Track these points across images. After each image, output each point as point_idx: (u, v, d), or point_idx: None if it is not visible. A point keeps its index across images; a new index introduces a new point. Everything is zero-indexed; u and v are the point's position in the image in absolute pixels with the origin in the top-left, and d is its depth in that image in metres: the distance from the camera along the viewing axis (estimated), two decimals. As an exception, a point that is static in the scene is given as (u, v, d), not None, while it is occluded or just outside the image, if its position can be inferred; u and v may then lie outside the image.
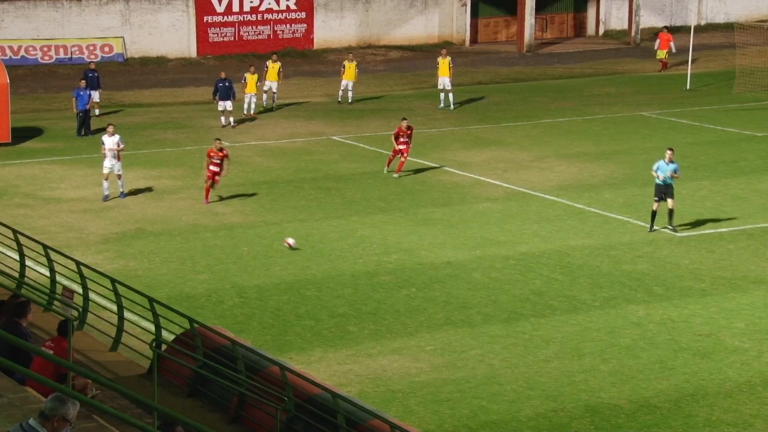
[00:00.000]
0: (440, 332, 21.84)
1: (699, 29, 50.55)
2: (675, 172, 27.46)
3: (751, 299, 23.38)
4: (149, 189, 32.00)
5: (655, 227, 27.57)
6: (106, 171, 30.62)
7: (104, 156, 30.70)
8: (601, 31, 58.73)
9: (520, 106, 43.51)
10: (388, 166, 33.25)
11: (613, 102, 43.80)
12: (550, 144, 37.21)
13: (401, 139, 32.67)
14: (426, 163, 34.79)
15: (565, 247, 26.71)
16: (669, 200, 27.46)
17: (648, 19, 57.74)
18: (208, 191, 30.58)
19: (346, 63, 44.26)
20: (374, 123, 40.85)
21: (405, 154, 32.71)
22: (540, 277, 24.84)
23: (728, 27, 56.46)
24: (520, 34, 55.28)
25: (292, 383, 16.15)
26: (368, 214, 29.36)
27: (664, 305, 23.11)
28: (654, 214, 27.56)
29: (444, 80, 43.31)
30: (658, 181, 27.53)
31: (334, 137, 38.71)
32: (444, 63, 43.38)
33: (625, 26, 56.71)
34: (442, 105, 43.33)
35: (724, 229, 28.01)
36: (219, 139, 31.31)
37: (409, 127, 32.90)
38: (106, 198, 30.59)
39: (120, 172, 30.81)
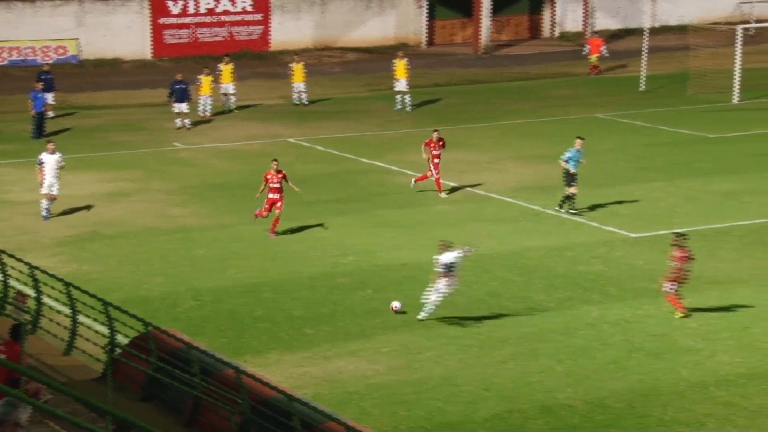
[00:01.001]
0: (397, 334, 21.86)
1: (653, 31, 50.90)
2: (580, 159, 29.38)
3: (705, 300, 23.57)
4: (104, 192, 31.80)
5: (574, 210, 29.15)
6: (45, 191, 28.65)
7: (42, 176, 28.49)
8: (556, 33, 59.05)
9: (476, 108, 43.66)
10: (417, 181, 31.24)
11: (569, 104, 44.04)
12: (507, 145, 37.37)
13: (434, 152, 30.68)
14: (383, 165, 34.82)
15: (521, 248, 26.82)
16: (574, 186, 29.04)
17: (603, 22, 58.12)
18: (275, 223, 27.22)
19: (293, 65, 44.28)
20: (331, 125, 40.84)
21: (438, 170, 30.66)
22: (496, 278, 24.92)
23: (682, 29, 56.92)
24: (477, 36, 55.47)
25: (247, 386, 16.12)
26: (325, 216, 29.33)
27: (618, 306, 23.26)
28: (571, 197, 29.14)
29: (401, 82, 43.38)
30: (572, 168, 29.17)
31: (291, 139, 38.66)
32: (401, 65, 43.46)
33: (580, 28, 57.05)
34: (398, 107, 43.39)
35: (678, 230, 28.16)
36: (276, 160, 28.03)
37: (440, 139, 30.81)
38: (46, 218, 28.80)
39: (57, 193, 28.81)
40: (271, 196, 27.28)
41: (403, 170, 34.18)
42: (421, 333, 21.92)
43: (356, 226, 28.57)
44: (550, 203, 30.23)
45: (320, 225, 28.50)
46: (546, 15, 59.36)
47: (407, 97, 43.37)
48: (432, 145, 30.93)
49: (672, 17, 60.05)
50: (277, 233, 27.46)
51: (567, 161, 29.40)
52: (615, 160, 34.60)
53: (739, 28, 44.58)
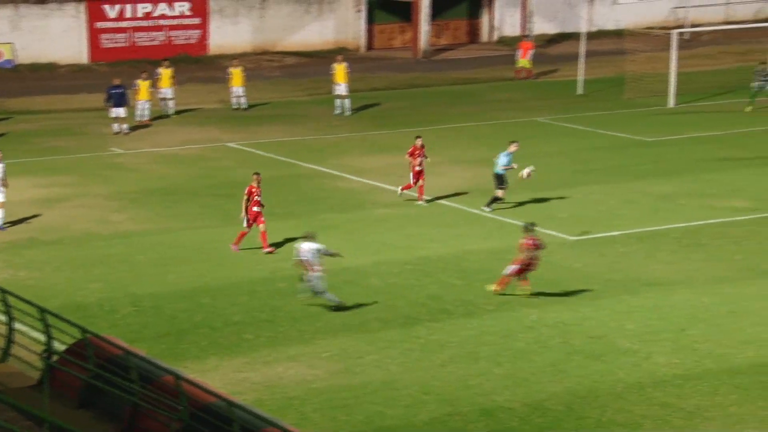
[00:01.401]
0: (337, 338, 21.85)
1: (590, 36, 51.35)
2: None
3: (642, 301, 23.82)
4: (41, 197, 31.46)
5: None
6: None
7: None
8: (495, 38, 59.36)
9: (416, 112, 43.76)
10: (403, 190, 30.82)
11: (508, 108, 44.30)
12: (447, 150, 37.48)
13: (418, 159, 30.48)
14: (323, 169, 34.79)
15: (462, 251, 26.92)
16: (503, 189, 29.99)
17: (541, 26, 58.51)
18: (264, 239, 26.61)
19: (231, 69, 44.17)
20: (270, 129, 40.74)
21: (423, 177, 30.66)
22: (437, 282, 25.00)
23: (618, 34, 57.49)
24: (416, 41, 55.62)
25: (186, 392, 16.01)
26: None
27: (557, 308, 23.43)
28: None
29: (340, 86, 43.38)
30: (499, 171, 30.02)
31: (230, 144, 38.50)
32: (340, 69, 43.46)
33: (519, 33, 57.36)
34: (338, 111, 43.38)
35: (616, 233, 28.48)
36: (258, 173, 27.33)
37: (423, 146, 30.63)
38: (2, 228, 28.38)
39: (4, 200, 28.34)
40: (255, 209, 26.72)
41: (344, 174, 34.19)
42: (360, 337, 21.93)
43: (297, 230, 28.46)
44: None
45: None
46: (485, 19, 59.66)
47: (347, 102, 43.37)
48: (417, 152, 30.57)
49: (609, 22, 60.60)
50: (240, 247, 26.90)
51: (502, 164, 29.92)
52: (554, 164, 34.86)
53: (674, 32, 45.12)
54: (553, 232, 28.37)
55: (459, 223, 29.35)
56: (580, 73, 46.92)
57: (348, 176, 33.87)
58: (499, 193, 30.01)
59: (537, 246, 23.71)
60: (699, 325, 22.58)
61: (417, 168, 30.64)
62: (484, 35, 59.70)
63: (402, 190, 31.04)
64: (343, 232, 28.32)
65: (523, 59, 50.14)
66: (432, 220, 29.60)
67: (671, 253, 26.91)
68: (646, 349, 21.42)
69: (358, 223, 29.21)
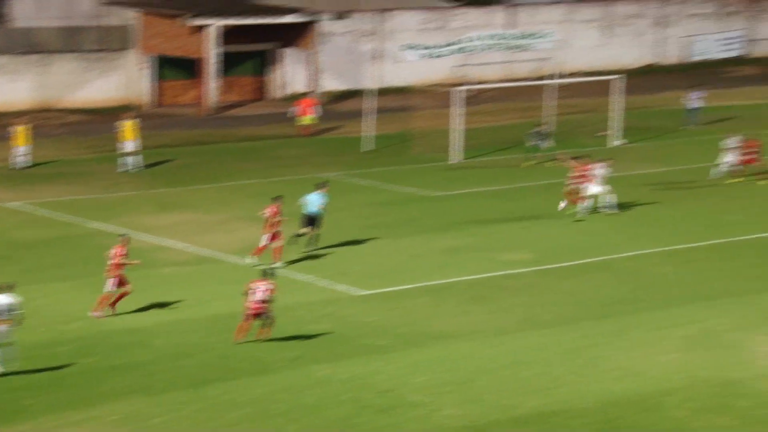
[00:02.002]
0: (123, 401, 21.34)
1: (377, 92, 52.21)
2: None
3: (430, 354, 24.17)
4: None
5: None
6: None
7: None
8: (283, 94, 59.69)
9: (205, 169, 43.47)
10: (256, 254, 30.10)
11: (296, 164, 44.48)
12: (236, 206, 37.34)
13: (274, 221, 30.08)
14: (109, 228, 34.07)
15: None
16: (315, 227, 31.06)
17: (329, 83, 59.15)
18: (103, 302, 26.18)
19: (15, 128, 43.01)
20: (54, 188, 39.69)
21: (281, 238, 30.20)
22: (225, 340, 24.74)
23: (404, 90, 58.71)
24: (204, 97, 55.38)
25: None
26: (46, 282, 28.41)
27: (347, 363, 23.52)
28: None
29: (128, 143, 42.73)
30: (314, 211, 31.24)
31: (9, 204, 37.30)
32: (127, 126, 42.83)
33: (307, 89, 57.77)
34: (125, 168, 42.67)
35: (404, 287, 28.88)
36: (124, 236, 27.15)
37: (280, 207, 30.32)
38: None
39: None
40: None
41: (130, 232, 33.56)
42: (148, 400, 21.47)
43: (79, 291, 27.77)
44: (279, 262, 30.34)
45: (40, 291, 27.52)
46: (273, 76, 59.94)
47: (134, 159, 42.72)
48: (275, 213, 30.12)
49: (395, 79, 61.76)
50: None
51: (320, 203, 31.24)
52: (343, 219, 35.12)
53: (457, 89, 46.33)
54: (344, 287, 28.54)
55: (248, 280, 29.13)
56: (368, 129, 47.61)
57: (136, 234, 33.25)
58: (306, 230, 30.75)
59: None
60: (484, 376, 23.05)
61: (272, 230, 30.09)
62: (273, 92, 59.97)
63: (253, 254, 30.34)
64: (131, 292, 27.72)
65: (306, 116, 50.50)
66: (221, 277, 29.35)
67: (456, 306, 27.44)
68: (434, 401, 21.70)
69: (144, 282, 28.62)
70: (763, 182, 39.04)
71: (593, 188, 35.46)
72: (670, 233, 33.90)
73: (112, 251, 26.15)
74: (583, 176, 35.47)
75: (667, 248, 32.31)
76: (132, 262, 26.59)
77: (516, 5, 66.67)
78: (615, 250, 32.09)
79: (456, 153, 44.73)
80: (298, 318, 26.26)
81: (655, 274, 29.94)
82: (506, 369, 23.42)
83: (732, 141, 39.97)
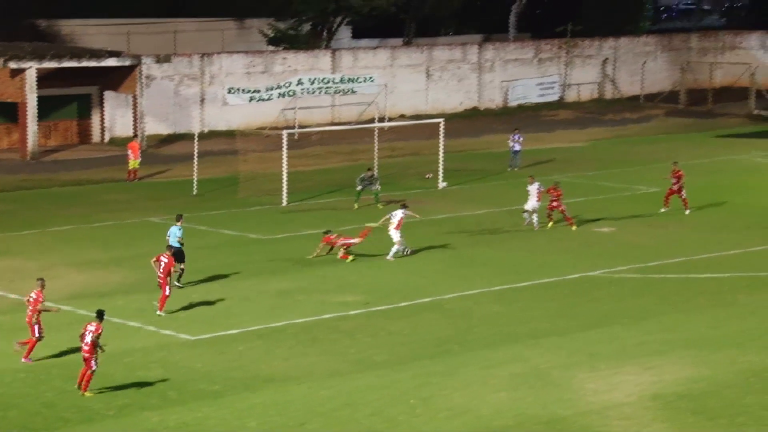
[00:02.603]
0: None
1: (202, 136, 51.86)
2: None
3: (262, 398, 23.95)
4: None
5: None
6: None
7: None
8: (106, 138, 58.69)
9: (25, 215, 42.31)
10: (161, 307, 29.56)
11: (122, 208, 43.70)
12: (58, 252, 36.41)
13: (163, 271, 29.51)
14: (-76, 276, 32.75)
15: (78, 356, 25.99)
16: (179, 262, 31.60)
17: (153, 126, 58.46)
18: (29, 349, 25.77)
19: None
20: None
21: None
22: (52, 389, 24.04)
23: (230, 134, 58.46)
24: (23, 142, 53.98)
25: None
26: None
27: (178, 410, 23.10)
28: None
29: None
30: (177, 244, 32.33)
31: None
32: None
33: (131, 133, 56.97)
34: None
35: (235, 331, 28.59)
36: (40, 279, 26.83)
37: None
38: None
39: None
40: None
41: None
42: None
43: None
44: (107, 309, 29.61)
45: None
46: (95, 120, 58.90)
47: (-50, 204, 41.29)
48: (169, 263, 29.54)
49: (220, 122, 61.49)
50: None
51: (179, 236, 32.76)
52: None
53: (284, 132, 46.34)
54: (173, 333, 28.08)
55: (74, 327, 28.35)
56: (194, 173, 47.14)
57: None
58: (182, 266, 32.06)
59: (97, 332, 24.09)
60: (317, 419, 22.94)
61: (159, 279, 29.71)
62: (95, 136, 58.90)
63: (160, 308, 29.63)
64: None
65: (134, 159, 49.81)
66: (44, 324, 28.45)
67: (289, 349, 27.29)
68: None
69: (-35, 332, 27.65)
70: (574, 227, 40.22)
71: (395, 234, 35.81)
72: (498, 273, 34.53)
73: (33, 295, 26.11)
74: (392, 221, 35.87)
75: (495, 288, 32.90)
76: (51, 308, 26.60)
77: (340, 49, 67.33)
78: (445, 290, 32.49)
79: (285, 196, 44.68)
80: (127, 364, 25.68)
81: (485, 314, 30.41)
82: (339, 411, 23.37)
83: (534, 187, 40.19)
